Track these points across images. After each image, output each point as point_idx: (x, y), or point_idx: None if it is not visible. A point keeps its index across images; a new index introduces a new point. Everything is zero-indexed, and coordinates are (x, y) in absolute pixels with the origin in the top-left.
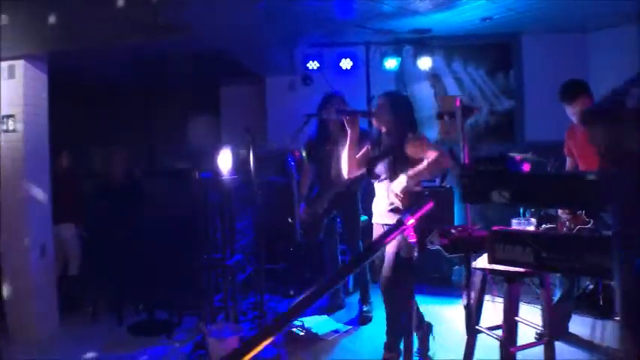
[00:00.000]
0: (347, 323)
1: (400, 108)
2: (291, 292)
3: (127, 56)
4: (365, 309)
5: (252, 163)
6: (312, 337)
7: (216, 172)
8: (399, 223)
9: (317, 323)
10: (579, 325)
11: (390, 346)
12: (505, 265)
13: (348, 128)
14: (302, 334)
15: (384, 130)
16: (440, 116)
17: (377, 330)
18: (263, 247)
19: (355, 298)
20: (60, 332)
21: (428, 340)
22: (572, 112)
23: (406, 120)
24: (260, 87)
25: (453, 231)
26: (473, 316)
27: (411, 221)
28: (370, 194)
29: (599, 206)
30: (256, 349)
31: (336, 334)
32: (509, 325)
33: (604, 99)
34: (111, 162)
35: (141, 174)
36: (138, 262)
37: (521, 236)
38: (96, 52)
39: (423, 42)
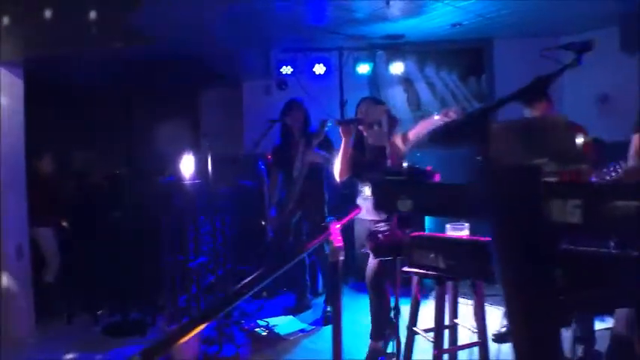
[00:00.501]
0: (312, 324)
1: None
2: (264, 294)
3: (106, 60)
4: (329, 309)
5: (209, 168)
6: (274, 337)
7: (178, 177)
8: (324, 228)
9: (282, 323)
10: None
11: (375, 336)
12: (421, 269)
13: (342, 135)
14: (265, 334)
15: (366, 133)
16: (370, 126)
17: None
18: (230, 249)
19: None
20: (36, 334)
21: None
22: (531, 115)
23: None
24: (237, 91)
25: (379, 235)
26: (393, 317)
27: (337, 226)
28: (338, 197)
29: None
30: (187, 336)
31: (299, 334)
32: (438, 327)
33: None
34: (89, 165)
35: (114, 176)
36: (112, 264)
37: (433, 242)
38: (74, 56)
39: (395, 47)
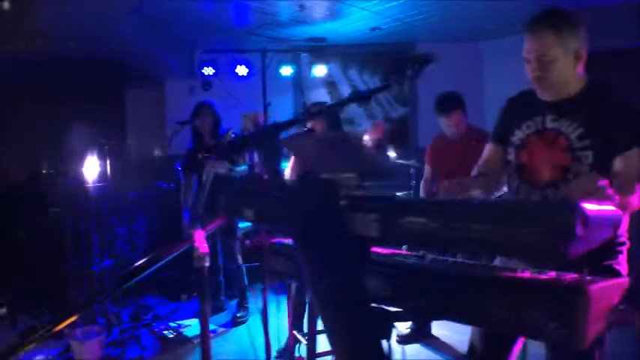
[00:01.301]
0: (222, 326)
1: (334, 116)
2: (183, 297)
3: (28, 59)
4: (239, 314)
5: (108, 172)
6: (181, 339)
7: (81, 179)
8: (189, 237)
9: (192, 326)
10: (443, 327)
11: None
12: (279, 275)
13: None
14: (172, 336)
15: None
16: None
17: (247, 333)
18: (147, 251)
19: None
20: None
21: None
22: (446, 124)
23: (338, 126)
24: (162, 91)
25: (247, 241)
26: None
27: (201, 234)
28: None
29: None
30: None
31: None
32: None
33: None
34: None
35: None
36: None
37: (285, 248)
38: None
39: (318, 50)
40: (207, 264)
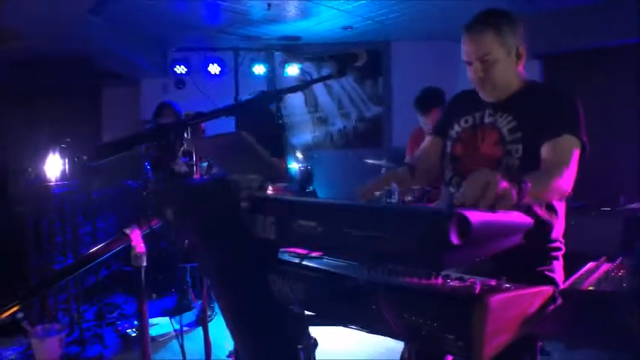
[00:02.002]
0: (188, 325)
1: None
2: (153, 295)
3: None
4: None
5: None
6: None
7: (42, 178)
8: (124, 235)
9: (157, 325)
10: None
11: None
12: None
13: None
14: (135, 334)
15: None
16: None
17: (211, 332)
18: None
19: None
20: None
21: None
22: (424, 121)
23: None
24: (137, 89)
25: (186, 241)
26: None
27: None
28: None
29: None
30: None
31: (171, 335)
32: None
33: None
34: None
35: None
36: None
37: None
38: None
39: (292, 49)
40: (144, 264)
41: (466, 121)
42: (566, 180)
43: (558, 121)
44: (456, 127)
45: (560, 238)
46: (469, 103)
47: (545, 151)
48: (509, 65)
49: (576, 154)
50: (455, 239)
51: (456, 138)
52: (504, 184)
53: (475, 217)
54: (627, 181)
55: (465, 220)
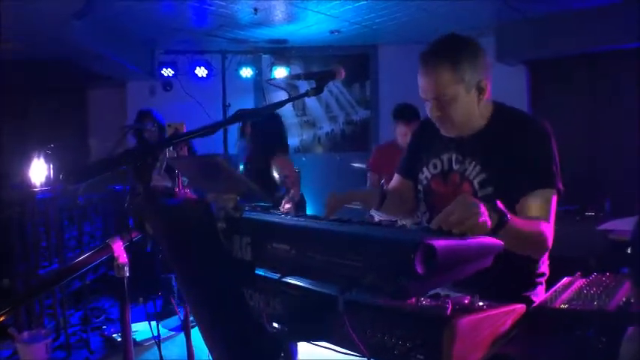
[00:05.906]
0: (172, 329)
1: None
2: (140, 299)
3: None
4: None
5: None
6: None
7: (26, 184)
8: (107, 246)
9: (142, 329)
10: None
11: None
12: None
13: None
14: (120, 339)
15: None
16: None
17: (195, 338)
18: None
19: None
20: None
21: None
22: (402, 132)
23: None
24: (123, 92)
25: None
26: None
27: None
28: None
29: None
30: None
31: (154, 340)
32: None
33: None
34: None
35: None
36: None
37: None
38: None
39: (280, 52)
40: (127, 274)
41: (434, 166)
42: (547, 236)
43: (532, 175)
44: (425, 172)
45: (546, 262)
46: (433, 140)
47: (521, 207)
48: (469, 102)
49: (554, 203)
50: (420, 270)
51: (427, 186)
52: (485, 216)
53: (442, 245)
54: (613, 187)
55: (432, 249)
